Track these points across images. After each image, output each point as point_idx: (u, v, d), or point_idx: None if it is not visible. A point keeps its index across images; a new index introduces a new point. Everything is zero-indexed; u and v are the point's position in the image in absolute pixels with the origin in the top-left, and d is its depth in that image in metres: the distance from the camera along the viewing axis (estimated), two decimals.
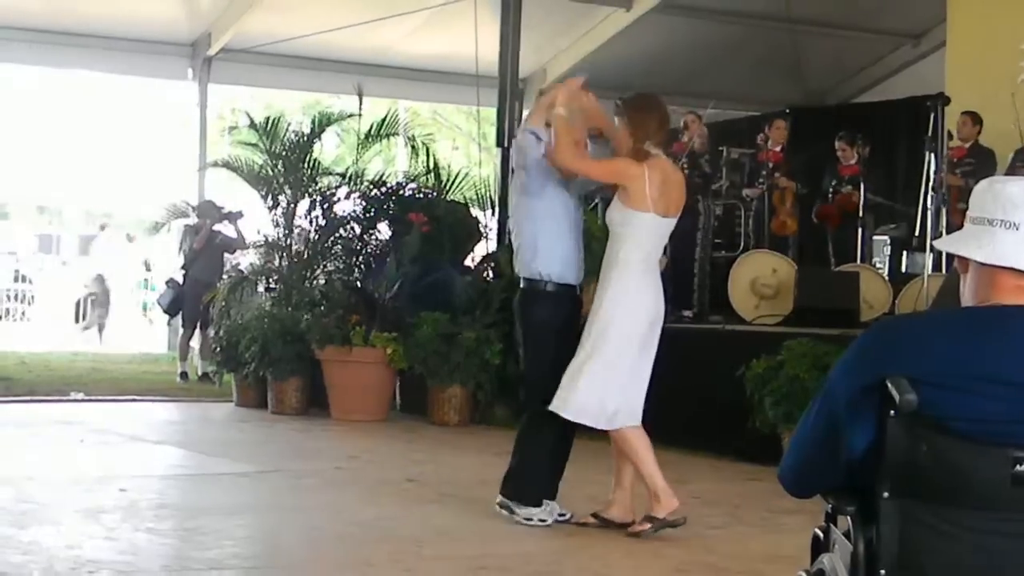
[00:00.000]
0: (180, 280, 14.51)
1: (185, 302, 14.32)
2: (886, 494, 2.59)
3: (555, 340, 6.70)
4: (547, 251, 6.71)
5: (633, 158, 6.49)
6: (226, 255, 14.36)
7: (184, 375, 14.28)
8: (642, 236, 6.49)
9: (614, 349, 6.45)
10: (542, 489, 6.79)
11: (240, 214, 14.29)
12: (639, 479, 6.67)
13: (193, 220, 14.52)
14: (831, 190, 13.04)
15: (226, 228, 14.37)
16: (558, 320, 6.72)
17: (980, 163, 11.54)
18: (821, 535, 2.98)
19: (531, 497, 6.76)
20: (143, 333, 19.97)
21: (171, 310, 14.88)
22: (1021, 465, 2.51)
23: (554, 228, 6.72)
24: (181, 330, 14.73)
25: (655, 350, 6.63)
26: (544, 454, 6.81)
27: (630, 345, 6.48)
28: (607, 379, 6.46)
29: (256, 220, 13.52)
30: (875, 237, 12.74)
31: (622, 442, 6.63)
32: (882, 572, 2.60)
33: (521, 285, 6.88)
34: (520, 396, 8.37)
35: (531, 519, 6.71)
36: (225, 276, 13.53)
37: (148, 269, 22.15)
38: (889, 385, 2.55)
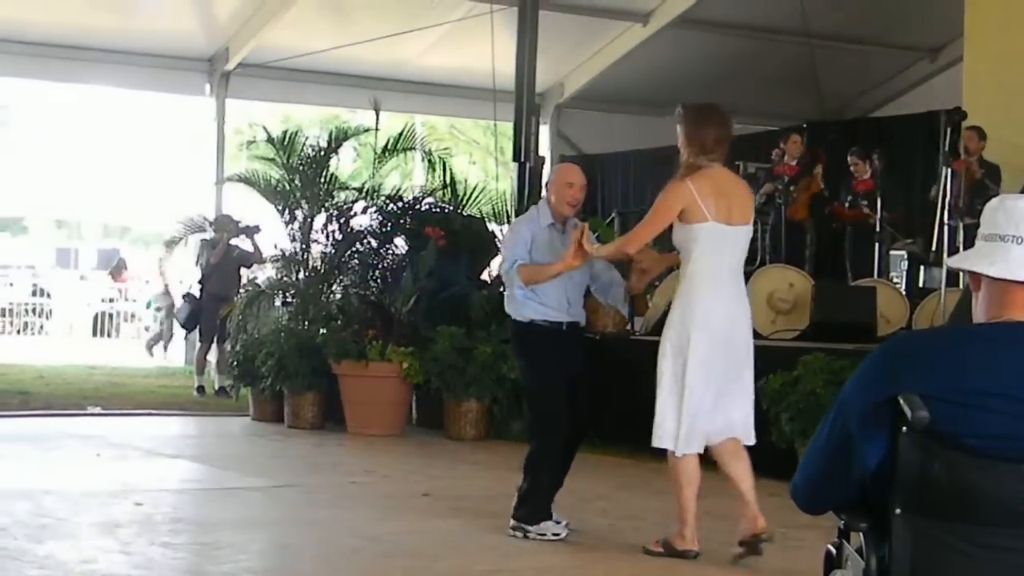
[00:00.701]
0: (197, 294, 14.54)
1: (202, 316, 14.34)
2: (899, 510, 2.58)
3: (547, 370, 6.80)
4: (533, 305, 6.83)
5: (684, 172, 6.28)
6: (243, 269, 14.39)
7: (201, 389, 14.29)
8: (705, 247, 6.22)
9: (669, 372, 6.28)
10: (550, 504, 6.85)
11: (257, 228, 14.30)
12: (748, 490, 6.45)
13: (210, 234, 14.52)
14: (847, 206, 13.06)
15: (243, 242, 14.38)
16: (548, 353, 6.80)
17: (985, 177, 11.53)
18: (834, 551, 2.97)
19: (541, 514, 6.79)
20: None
21: (188, 324, 14.91)
22: None
23: (547, 287, 6.79)
24: (198, 344, 14.76)
25: (744, 369, 6.46)
26: (552, 477, 6.87)
27: (695, 365, 6.22)
28: (669, 400, 6.29)
29: (273, 234, 13.54)
30: (892, 252, 12.74)
31: (670, 468, 6.40)
32: None
33: (513, 319, 6.97)
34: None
35: (544, 534, 6.74)
36: (242, 290, 13.55)
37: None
38: (901, 401, 2.55)
